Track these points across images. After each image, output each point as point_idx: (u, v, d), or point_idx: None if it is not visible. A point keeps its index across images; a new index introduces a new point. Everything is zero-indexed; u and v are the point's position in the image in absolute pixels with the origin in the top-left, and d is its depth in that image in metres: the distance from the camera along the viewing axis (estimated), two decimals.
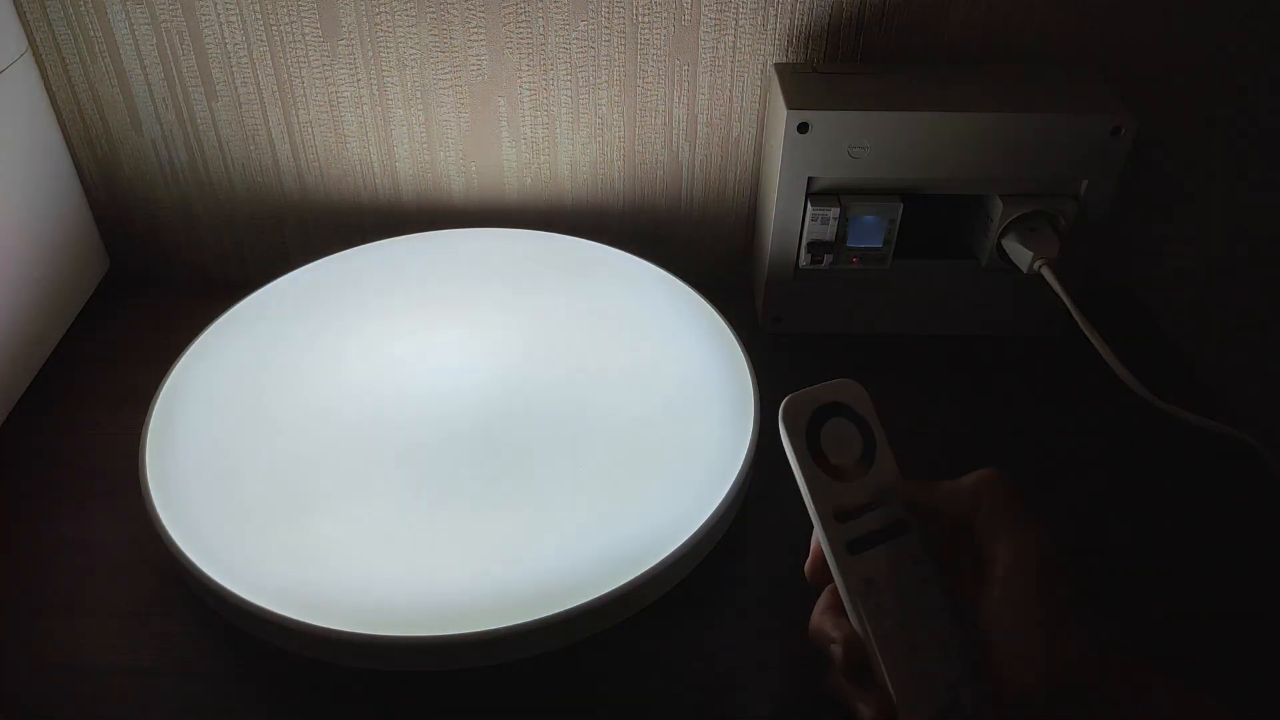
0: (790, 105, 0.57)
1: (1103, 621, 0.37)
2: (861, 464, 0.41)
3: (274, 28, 0.63)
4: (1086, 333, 0.59)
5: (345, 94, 0.66)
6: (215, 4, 0.62)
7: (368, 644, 0.43)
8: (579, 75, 0.65)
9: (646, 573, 0.46)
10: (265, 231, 0.72)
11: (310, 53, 0.64)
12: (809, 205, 0.60)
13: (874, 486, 0.41)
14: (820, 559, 0.41)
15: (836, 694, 0.41)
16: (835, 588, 0.40)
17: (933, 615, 0.39)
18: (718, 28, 0.63)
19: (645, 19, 0.63)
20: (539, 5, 0.62)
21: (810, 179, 0.60)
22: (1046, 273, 0.59)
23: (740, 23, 0.63)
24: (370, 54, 0.64)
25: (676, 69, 0.64)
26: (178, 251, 0.73)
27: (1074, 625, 0.36)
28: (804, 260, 0.62)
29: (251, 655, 0.46)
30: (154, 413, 0.54)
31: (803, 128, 0.57)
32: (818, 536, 0.40)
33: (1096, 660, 0.35)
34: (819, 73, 0.61)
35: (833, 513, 0.40)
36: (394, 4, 0.62)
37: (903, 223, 0.61)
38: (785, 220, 0.61)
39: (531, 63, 0.64)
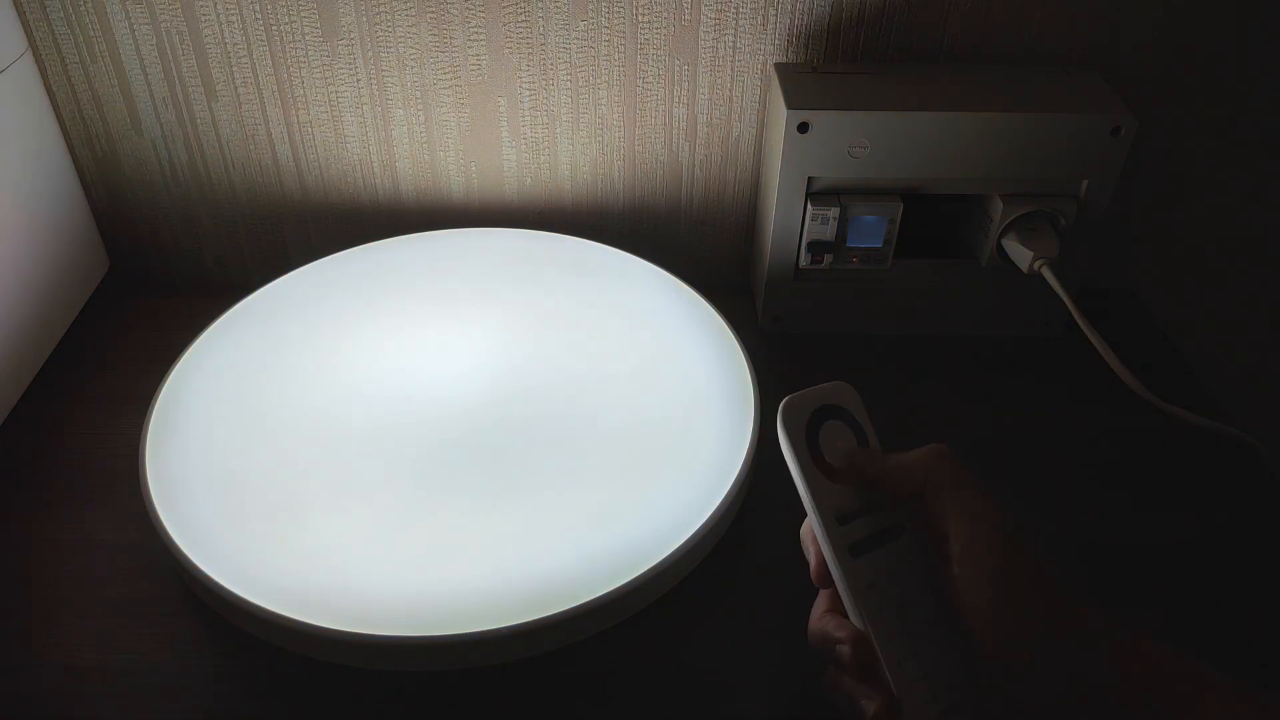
0: (790, 105, 0.57)
1: (1071, 580, 0.37)
2: None
3: (274, 28, 0.63)
4: (1086, 333, 0.59)
5: (345, 94, 0.66)
6: (215, 4, 0.62)
7: (368, 644, 0.43)
8: (579, 75, 0.65)
9: (646, 572, 0.46)
10: (265, 231, 0.72)
11: (310, 53, 0.64)
12: (809, 205, 0.60)
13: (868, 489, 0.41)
14: (824, 563, 0.41)
15: (837, 694, 0.41)
16: (832, 591, 0.40)
17: (934, 615, 0.39)
18: (718, 28, 0.63)
19: (645, 19, 0.63)
20: (539, 5, 0.62)
21: (810, 179, 0.60)
22: (1046, 273, 0.59)
23: (740, 23, 0.63)
24: (370, 54, 0.64)
25: (676, 69, 0.64)
26: (178, 251, 0.73)
27: (1039, 591, 0.36)
28: (804, 260, 0.62)
29: (251, 655, 0.46)
30: (154, 413, 0.54)
31: (803, 128, 0.57)
32: (820, 540, 0.40)
33: (1069, 622, 0.35)
34: (819, 73, 0.61)
35: (834, 516, 0.40)
36: (394, 4, 0.62)
37: (903, 223, 0.61)
38: (785, 220, 0.61)
39: (531, 63, 0.64)
